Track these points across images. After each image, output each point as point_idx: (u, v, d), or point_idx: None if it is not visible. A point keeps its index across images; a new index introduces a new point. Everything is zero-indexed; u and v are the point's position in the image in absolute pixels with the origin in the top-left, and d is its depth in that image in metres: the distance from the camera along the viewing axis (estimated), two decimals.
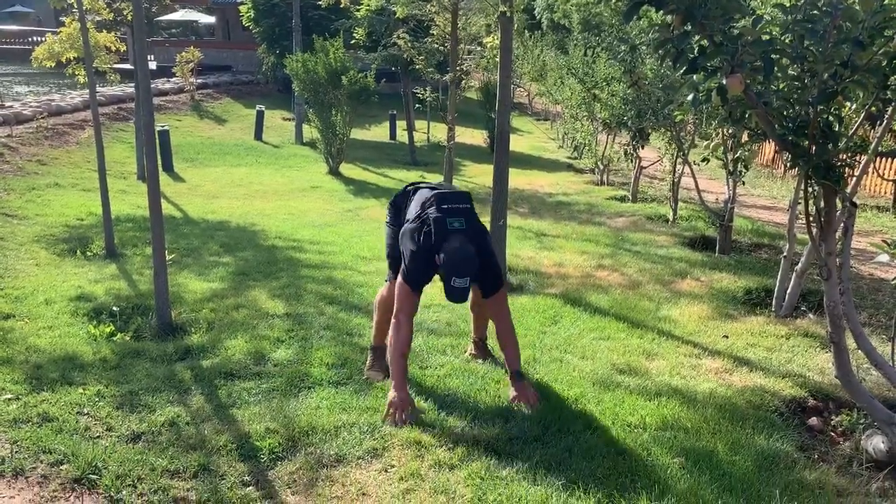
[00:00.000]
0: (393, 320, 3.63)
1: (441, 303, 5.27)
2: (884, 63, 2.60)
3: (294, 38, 17.62)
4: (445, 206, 3.62)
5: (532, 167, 15.97)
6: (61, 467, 2.99)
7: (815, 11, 2.57)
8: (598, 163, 13.78)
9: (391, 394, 3.47)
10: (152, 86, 21.44)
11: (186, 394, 3.71)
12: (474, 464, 3.05)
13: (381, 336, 4.03)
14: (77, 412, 3.47)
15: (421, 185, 4.01)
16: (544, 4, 32.66)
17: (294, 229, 8.41)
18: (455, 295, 3.51)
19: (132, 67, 4.56)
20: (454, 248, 3.46)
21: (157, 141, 12.35)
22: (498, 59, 6.02)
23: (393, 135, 20.55)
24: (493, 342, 4.41)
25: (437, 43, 10.88)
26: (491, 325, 4.03)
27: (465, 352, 4.31)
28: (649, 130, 9.35)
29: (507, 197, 6.05)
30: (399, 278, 3.65)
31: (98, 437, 3.26)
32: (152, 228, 4.59)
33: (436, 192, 3.77)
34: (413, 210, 3.76)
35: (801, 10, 2.58)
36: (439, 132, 18.70)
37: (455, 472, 3.01)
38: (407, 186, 4.05)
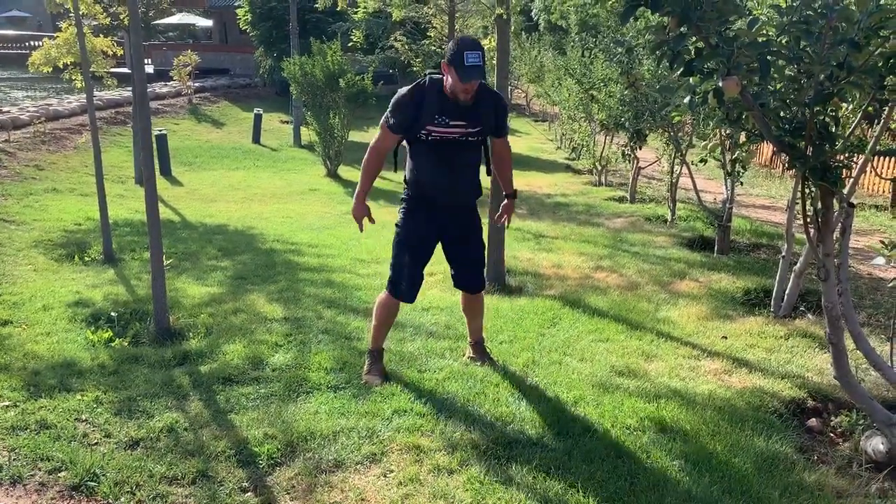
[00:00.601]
0: (366, 155, 3.80)
1: (439, 305, 5.28)
2: (880, 63, 2.60)
3: (291, 42, 17.63)
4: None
5: (530, 168, 15.97)
6: (59, 474, 2.98)
7: (811, 12, 2.57)
8: (597, 164, 13.78)
9: (353, 205, 3.83)
10: (150, 89, 21.47)
11: (185, 399, 3.70)
12: (473, 468, 3.04)
13: (379, 338, 4.03)
14: (75, 419, 3.46)
15: None
16: (541, 6, 32.68)
17: (292, 232, 8.41)
18: (472, 72, 3.44)
19: (129, 71, 4.55)
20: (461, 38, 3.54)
21: (155, 145, 12.37)
22: (495, 62, 6.02)
23: None
24: (490, 345, 4.42)
25: (434, 45, 10.89)
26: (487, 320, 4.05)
27: (464, 355, 4.31)
28: (647, 131, 9.35)
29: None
30: (381, 121, 3.74)
31: (96, 443, 3.25)
32: (150, 233, 4.59)
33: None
34: None
35: (797, 11, 2.58)
36: None
37: (454, 476, 3.01)
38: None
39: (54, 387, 3.77)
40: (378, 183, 4.14)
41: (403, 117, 3.64)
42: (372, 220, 3.88)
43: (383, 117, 3.72)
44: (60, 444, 3.20)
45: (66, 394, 3.71)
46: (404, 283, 3.86)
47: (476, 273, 4.03)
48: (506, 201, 4.08)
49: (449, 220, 3.87)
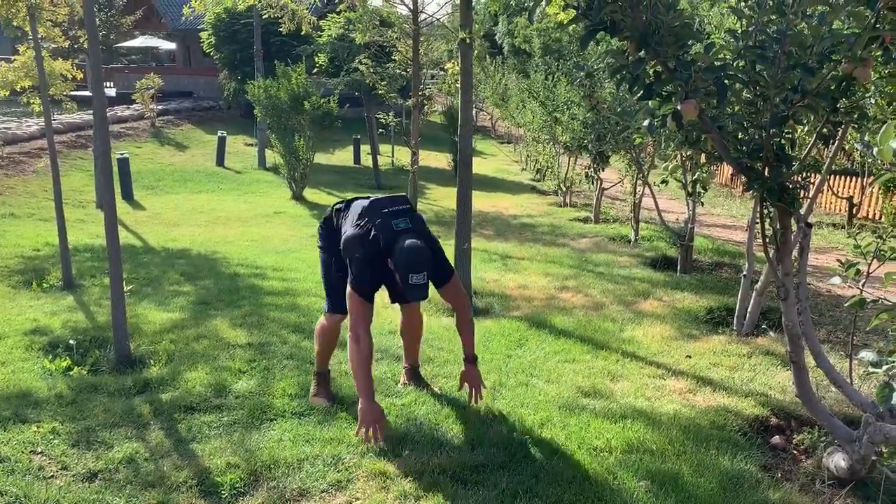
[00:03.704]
0: (350, 333, 3.53)
1: None
2: (833, 87, 2.66)
3: (256, 64, 17.58)
4: (386, 210, 3.59)
5: (496, 189, 16.07)
6: None
7: (765, 37, 2.62)
8: (561, 185, 13.91)
9: (362, 408, 3.41)
10: (111, 113, 21.23)
11: (145, 429, 3.62)
12: (440, 494, 3.01)
13: (324, 362, 4.00)
14: (30, 451, 3.36)
15: (352, 200, 3.88)
16: (505, 30, 33.08)
17: (257, 256, 8.32)
18: (415, 292, 3.43)
19: (90, 94, 4.49)
20: (404, 246, 3.39)
21: (116, 169, 12.20)
22: (459, 84, 6.06)
23: (357, 159, 20.56)
24: (458, 368, 4.40)
25: (399, 68, 10.94)
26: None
27: (398, 382, 4.19)
28: (609, 153, 9.47)
29: (471, 219, 6.07)
30: (349, 289, 3.57)
31: (52, 476, 3.15)
32: (109, 258, 4.50)
33: (371, 200, 3.74)
34: (350, 222, 3.67)
35: (752, 36, 2.64)
36: (403, 156, 18.73)
37: (421, 502, 2.97)
38: (336, 204, 3.93)
39: (8, 418, 3.66)
40: (334, 201, 4.09)
41: (371, 279, 3.59)
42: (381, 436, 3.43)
43: (352, 285, 3.56)
44: (14, 478, 3.10)
45: (21, 425, 3.60)
46: (334, 293, 3.81)
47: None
48: (464, 367, 3.84)
49: None
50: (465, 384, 3.83)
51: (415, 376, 4.19)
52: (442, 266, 3.71)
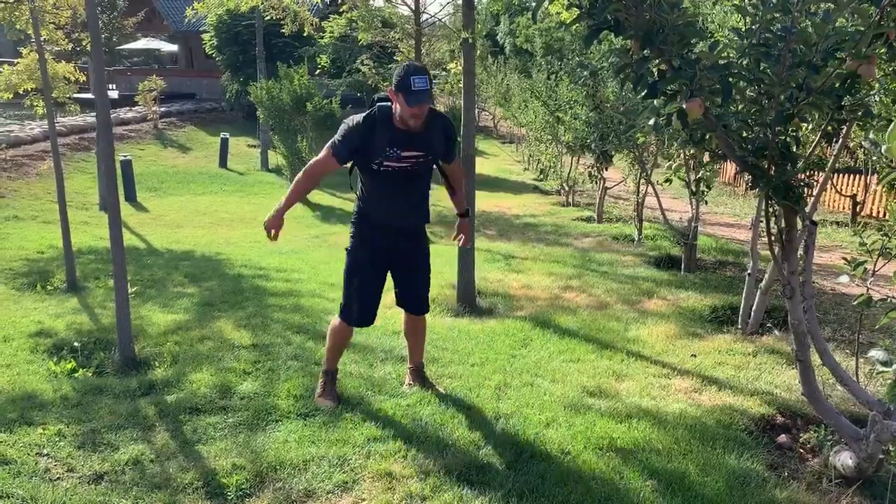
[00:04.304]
0: (303, 172, 3.73)
1: None
2: (837, 84, 2.65)
3: (258, 66, 17.60)
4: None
5: (499, 189, 16.06)
6: None
7: (770, 35, 2.62)
8: (564, 184, 13.90)
9: (272, 215, 3.69)
10: (114, 115, 21.25)
11: (150, 430, 3.62)
12: (446, 494, 3.01)
13: (333, 361, 4.01)
14: (36, 453, 3.36)
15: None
16: (506, 29, 33.08)
17: (260, 257, 8.33)
18: (420, 96, 3.38)
19: (93, 97, 4.49)
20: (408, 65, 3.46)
21: (120, 171, 12.21)
22: (462, 84, 6.06)
23: None
24: (461, 368, 4.39)
25: None
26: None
27: (403, 383, 4.19)
28: (612, 152, 9.46)
29: (474, 219, 6.06)
30: (326, 146, 3.67)
31: (58, 478, 3.16)
32: (113, 260, 4.50)
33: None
34: None
35: (757, 34, 2.63)
36: None
37: (427, 503, 2.97)
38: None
39: (14, 420, 3.66)
40: (351, 207, 4.10)
41: (353, 147, 3.60)
42: (276, 237, 3.78)
43: (330, 142, 3.66)
44: (21, 480, 3.10)
45: (26, 427, 3.60)
46: (355, 307, 3.82)
47: (419, 305, 4.02)
48: (458, 221, 4.12)
49: (398, 243, 3.83)
50: (460, 234, 4.14)
51: (419, 377, 4.18)
52: (454, 143, 3.83)
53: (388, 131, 3.54)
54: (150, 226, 10.87)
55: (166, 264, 7.81)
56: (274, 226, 3.72)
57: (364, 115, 3.62)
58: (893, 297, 2.88)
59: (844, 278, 2.96)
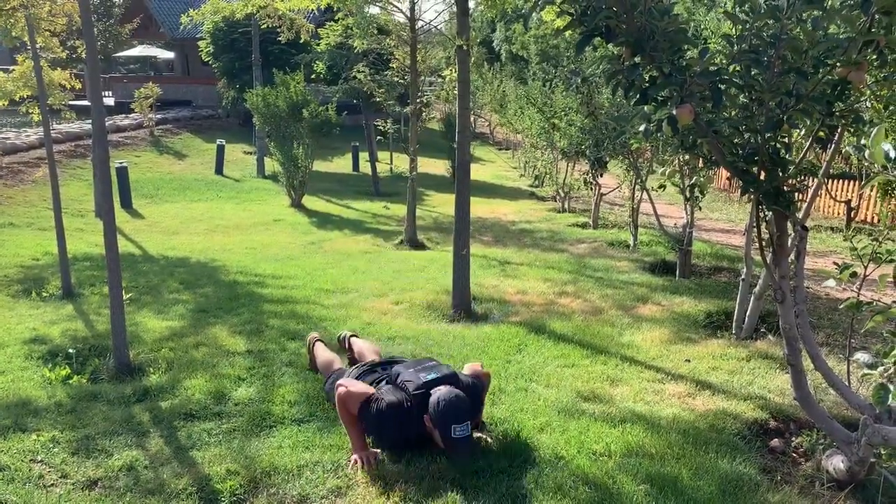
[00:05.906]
0: (341, 389, 3.39)
1: (405, 334, 5.25)
2: (828, 91, 2.68)
3: (254, 73, 17.64)
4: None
5: (495, 196, 16.09)
6: None
7: (760, 42, 2.64)
8: (559, 190, 13.94)
9: (354, 456, 3.31)
10: (110, 122, 21.28)
11: (145, 437, 3.62)
12: (440, 500, 3.01)
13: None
14: (30, 459, 3.36)
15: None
16: (502, 36, 33.17)
17: (256, 264, 8.33)
18: (461, 445, 3.22)
19: (89, 104, 4.50)
20: (440, 397, 3.25)
21: (115, 178, 12.22)
22: (456, 91, 6.09)
23: (355, 166, 20.59)
24: None
25: (396, 76, 10.98)
26: None
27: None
28: (607, 159, 9.50)
29: (469, 226, 6.09)
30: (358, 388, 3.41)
31: (52, 485, 3.16)
32: (108, 267, 4.51)
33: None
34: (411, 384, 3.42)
35: (747, 40, 2.65)
36: (402, 163, 18.78)
37: None
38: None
39: (9, 427, 3.66)
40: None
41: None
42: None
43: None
44: (15, 486, 3.10)
45: (20, 434, 3.60)
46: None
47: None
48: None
49: None
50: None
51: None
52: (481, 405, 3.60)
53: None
54: (145, 232, 10.87)
55: (161, 271, 7.81)
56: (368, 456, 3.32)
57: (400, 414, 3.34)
58: (880, 302, 2.90)
59: (831, 282, 2.98)
